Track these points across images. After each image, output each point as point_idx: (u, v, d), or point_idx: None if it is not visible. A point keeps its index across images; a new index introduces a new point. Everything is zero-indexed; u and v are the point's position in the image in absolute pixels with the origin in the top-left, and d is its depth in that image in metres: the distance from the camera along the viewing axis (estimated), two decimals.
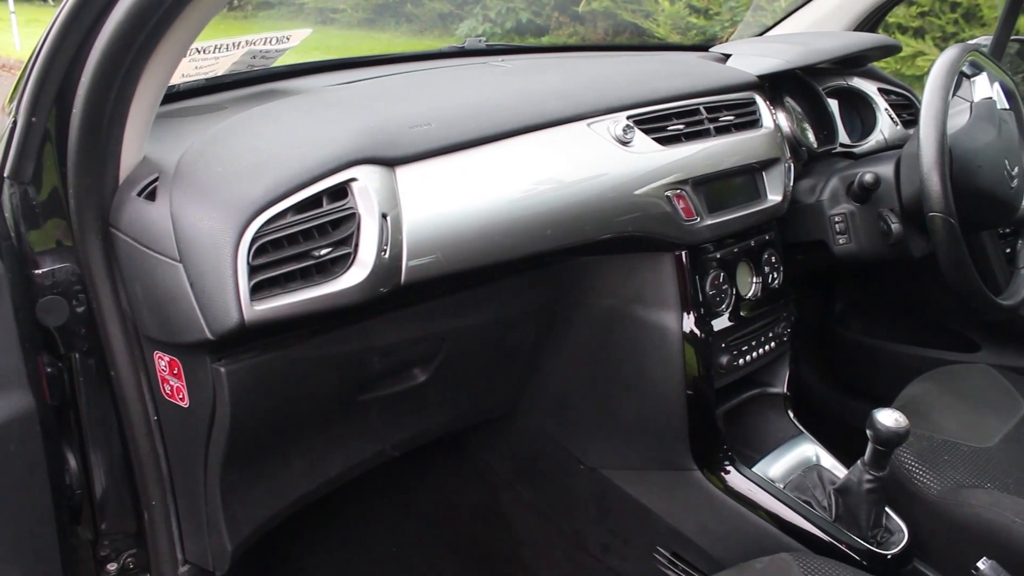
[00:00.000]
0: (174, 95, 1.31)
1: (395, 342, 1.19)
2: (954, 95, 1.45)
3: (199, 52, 1.25)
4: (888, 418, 1.19)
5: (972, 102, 1.48)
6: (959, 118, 1.46)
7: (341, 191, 0.97)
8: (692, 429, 1.38)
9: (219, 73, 1.34)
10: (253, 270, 0.91)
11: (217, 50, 1.27)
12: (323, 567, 1.56)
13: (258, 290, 0.91)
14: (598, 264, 1.37)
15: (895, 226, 1.44)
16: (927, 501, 1.27)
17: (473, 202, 1.07)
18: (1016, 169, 1.45)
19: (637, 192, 1.22)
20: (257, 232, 0.91)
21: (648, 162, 1.25)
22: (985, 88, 1.49)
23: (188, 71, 1.27)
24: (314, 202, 0.95)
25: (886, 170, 1.47)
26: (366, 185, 0.98)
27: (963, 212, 1.34)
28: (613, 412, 1.46)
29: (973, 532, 1.21)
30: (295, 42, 1.37)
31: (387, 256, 0.98)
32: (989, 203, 1.43)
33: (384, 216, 0.98)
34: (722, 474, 1.39)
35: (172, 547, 1.14)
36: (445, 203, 1.05)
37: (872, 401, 1.50)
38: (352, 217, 0.97)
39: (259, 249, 0.91)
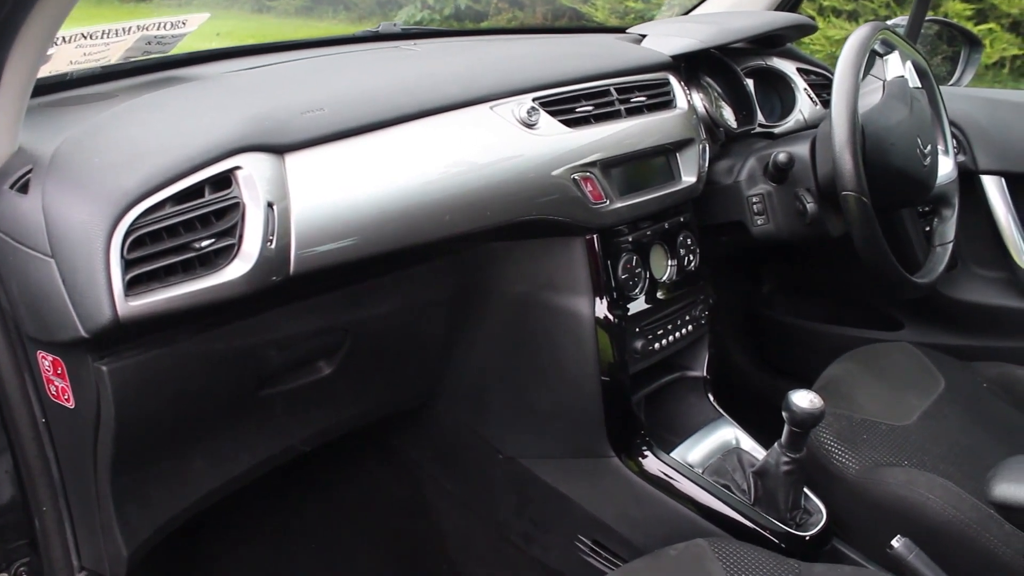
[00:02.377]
0: (66, 83, 1.26)
1: (293, 335, 1.16)
2: (867, 74, 1.45)
3: (85, 37, 1.20)
4: (803, 399, 1.18)
5: (885, 81, 1.48)
6: (872, 97, 1.45)
7: (224, 180, 0.93)
8: (608, 415, 1.36)
9: (112, 60, 1.29)
10: (128, 264, 0.87)
11: (106, 35, 1.22)
12: (240, 565, 1.52)
13: (135, 285, 0.87)
14: (508, 250, 1.34)
15: (810, 206, 1.43)
16: (845, 481, 1.27)
17: (367, 189, 1.03)
18: (928, 147, 1.45)
19: (541, 176, 1.20)
20: (132, 224, 0.87)
21: (554, 145, 1.22)
22: (897, 67, 1.48)
23: (76, 58, 1.22)
24: (195, 192, 0.91)
25: (801, 150, 1.46)
26: (251, 173, 0.94)
27: (877, 191, 1.34)
28: (529, 401, 1.43)
29: (889, 510, 1.22)
30: (192, 27, 1.32)
31: (273, 246, 0.94)
32: (902, 181, 1.42)
33: (270, 205, 0.94)
34: (640, 460, 1.37)
35: (67, 553, 1.10)
36: (337, 191, 1.01)
37: (800, 382, 1.48)
38: (236, 207, 0.93)
39: (136, 242, 0.87)
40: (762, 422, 1.48)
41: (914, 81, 1.52)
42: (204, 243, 0.91)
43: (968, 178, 1.74)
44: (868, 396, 1.41)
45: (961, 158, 1.75)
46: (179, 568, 1.43)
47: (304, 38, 1.67)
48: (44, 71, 1.17)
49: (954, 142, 1.66)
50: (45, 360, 0.99)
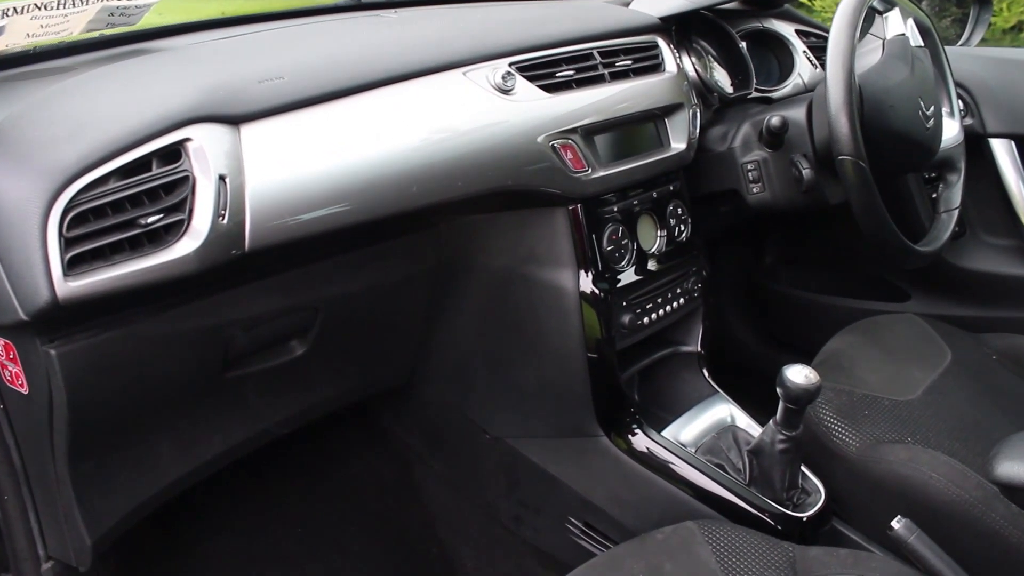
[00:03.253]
0: (27, 57, 1.21)
1: (259, 314, 1.11)
2: (865, 33, 1.39)
3: (39, 8, 1.15)
4: (798, 374, 1.13)
5: (884, 39, 1.41)
6: (871, 57, 1.39)
7: (174, 153, 0.89)
8: (596, 393, 1.31)
9: (74, 33, 1.24)
10: (69, 242, 0.82)
11: (62, 5, 1.17)
12: (220, 551, 1.49)
13: (77, 264, 0.83)
14: (488, 222, 1.29)
15: (806, 172, 1.37)
16: (845, 459, 1.22)
17: (328, 160, 0.98)
18: (932, 109, 1.38)
19: (517, 143, 1.14)
20: (71, 201, 0.82)
21: (531, 111, 1.17)
22: (898, 24, 1.42)
23: (33, 30, 1.17)
24: (142, 166, 0.87)
25: (797, 113, 1.40)
26: (202, 145, 0.89)
27: (877, 156, 1.27)
28: (514, 379, 1.39)
29: (890, 489, 1.17)
30: None
31: (226, 222, 0.90)
32: (904, 145, 1.36)
33: (222, 178, 0.89)
34: (629, 439, 1.33)
35: (32, 543, 1.07)
36: (296, 162, 0.96)
37: (804, 356, 1.44)
38: (186, 180, 0.88)
39: (77, 219, 0.83)
40: (764, 397, 1.42)
41: (916, 40, 1.45)
42: (151, 219, 0.87)
43: (976, 141, 1.67)
44: (871, 370, 1.36)
45: (968, 121, 1.68)
46: (156, 555, 1.40)
47: (283, 8, 1.62)
48: (0, 44, 1.14)
49: (960, 104, 1.60)
50: None
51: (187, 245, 0.88)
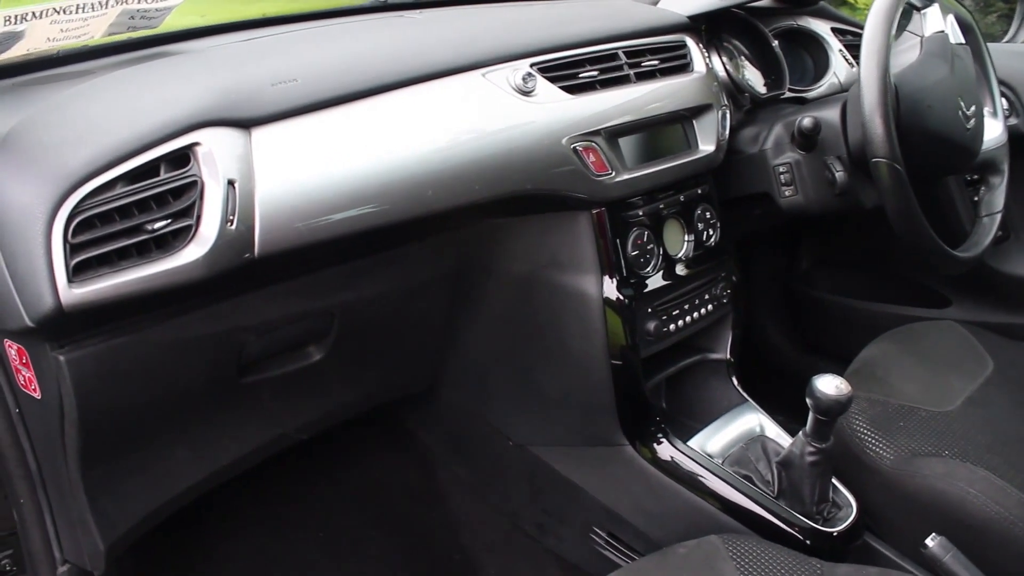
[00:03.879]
0: (48, 62, 1.21)
1: (273, 319, 1.10)
2: (903, 30, 1.34)
3: (58, 12, 1.15)
4: (828, 385, 1.09)
5: (923, 37, 1.36)
6: (908, 55, 1.34)
7: (183, 157, 0.87)
8: (620, 401, 1.28)
9: (96, 36, 1.24)
10: (74, 248, 0.81)
11: (81, 9, 1.17)
12: (239, 554, 1.48)
13: (83, 270, 0.82)
14: (510, 226, 1.27)
15: (839, 175, 1.33)
16: (879, 472, 1.18)
17: (341, 165, 0.97)
18: (972, 109, 1.33)
19: (537, 146, 1.12)
20: (77, 206, 0.81)
21: (552, 113, 1.14)
22: (937, 21, 1.37)
23: (53, 34, 1.17)
24: (151, 170, 0.85)
25: (831, 114, 1.36)
26: (211, 150, 0.88)
27: (914, 158, 1.23)
28: (536, 386, 1.36)
29: (926, 505, 1.13)
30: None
31: (234, 227, 0.88)
32: (942, 147, 1.31)
33: (231, 183, 0.88)
34: (655, 448, 1.29)
35: (47, 546, 1.06)
36: (309, 167, 0.95)
37: (840, 362, 1.41)
38: (194, 185, 0.87)
39: (83, 224, 0.81)
40: (799, 404, 1.39)
41: (957, 37, 1.40)
42: (159, 224, 0.85)
43: (1020, 142, 1.61)
44: (907, 379, 1.32)
45: (1012, 120, 1.63)
46: (172, 558, 1.40)
47: (308, 10, 1.61)
48: (21, 49, 1.14)
49: (1004, 103, 1.54)
50: (11, 348, 0.96)
51: (195, 251, 0.86)
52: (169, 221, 0.86)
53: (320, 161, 0.95)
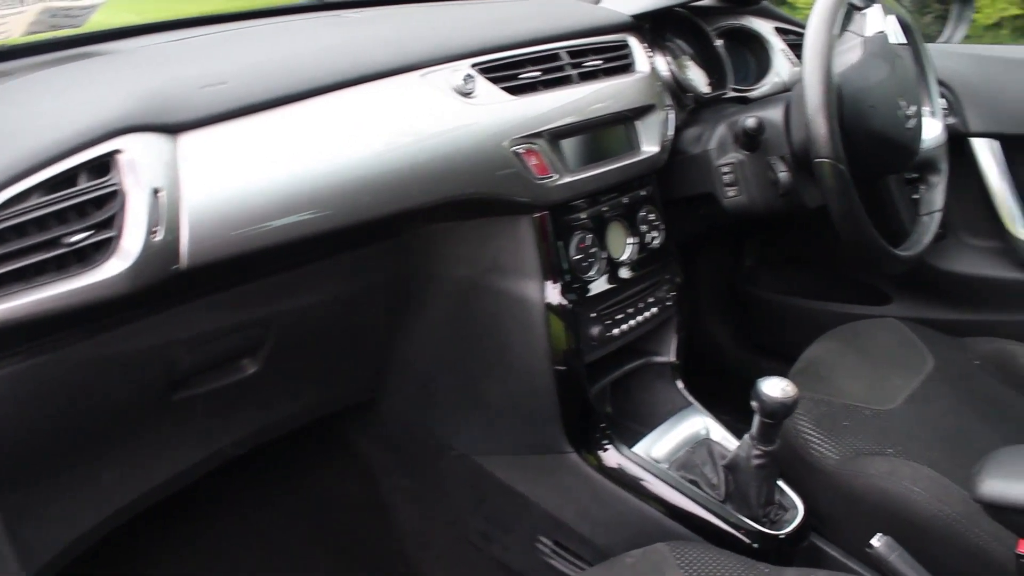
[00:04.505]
0: None
1: (204, 332, 1.05)
2: (844, 30, 1.34)
3: None
4: (774, 388, 1.09)
5: (864, 37, 1.36)
6: (850, 55, 1.34)
7: (103, 165, 0.83)
8: (564, 408, 1.26)
9: (14, 35, 1.18)
10: None
11: None
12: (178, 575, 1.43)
13: None
14: (451, 231, 1.23)
15: (783, 175, 1.32)
16: (824, 472, 1.19)
17: (273, 171, 0.93)
18: (913, 109, 1.34)
19: (477, 150, 1.09)
20: None
21: (493, 115, 1.11)
22: (878, 21, 1.37)
23: None
24: (69, 180, 0.80)
25: (774, 114, 1.35)
26: (134, 157, 0.83)
27: (856, 157, 1.23)
28: (478, 393, 1.34)
29: (871, 504, 1.14)
30: None
31: (160, 238, 0.84)
32: (884, 146, 1.32)
33: (156, 192, 0.83)
34: (600, 455, 1.28)
35: None
36: (239, 173, 0.90)
37: (784, 360, 1.41)
38: (116, 195, 0.82)
39: None
40: (744, 404, 1.39)
41: (897, 37, 1.41)
42: (78, 236, 0.80)
43: (958, 141, 1.62)
44: (851, 378, 1.33)
45: (950, 120, 1.64)
46: None
47: (243, 9, 1.56)
48: None
49: (942, 102, 1.55)
50: None
51: (117, 264, 0.82)
52: (90, 233, 0.81)
53: (251, 167, 0.91)
